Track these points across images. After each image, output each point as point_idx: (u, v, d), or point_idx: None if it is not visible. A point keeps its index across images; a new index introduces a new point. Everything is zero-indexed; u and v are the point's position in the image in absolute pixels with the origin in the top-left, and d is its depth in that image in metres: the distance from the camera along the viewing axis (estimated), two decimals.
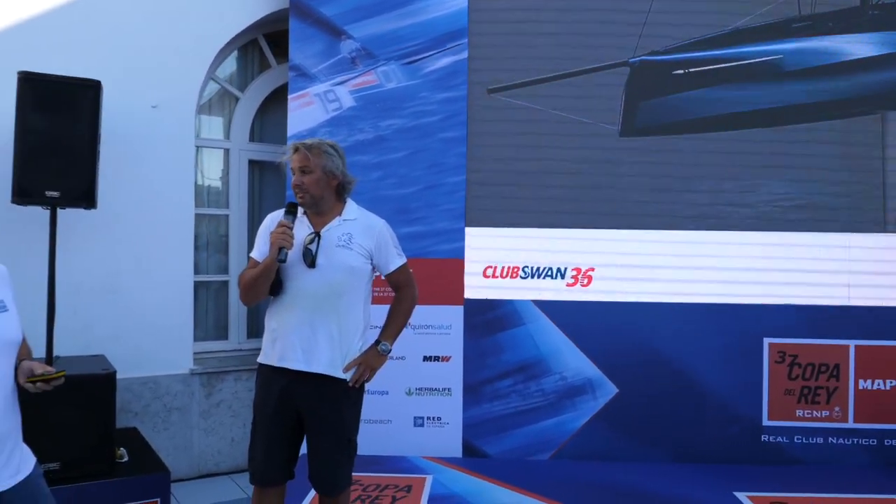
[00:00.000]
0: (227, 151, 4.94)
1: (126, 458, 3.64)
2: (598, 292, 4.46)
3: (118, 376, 3.74)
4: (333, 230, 2.74)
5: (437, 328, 4.47)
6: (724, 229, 4.45)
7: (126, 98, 4.12)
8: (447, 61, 4.52)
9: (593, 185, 4.50)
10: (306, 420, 2.73)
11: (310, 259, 2.67)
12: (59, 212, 3.70)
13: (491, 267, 4.51)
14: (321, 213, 2.77)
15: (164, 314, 4.37)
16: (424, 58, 4.53)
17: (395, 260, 2.85)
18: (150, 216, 4.30)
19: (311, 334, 2.67)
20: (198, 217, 4.73)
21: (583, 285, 4.47)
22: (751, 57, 4.46)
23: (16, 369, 1.99)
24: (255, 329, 4.95)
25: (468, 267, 4.50)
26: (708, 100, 4.47)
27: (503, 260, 4.51)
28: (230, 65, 4.98)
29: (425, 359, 4.47)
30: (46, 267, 3.63)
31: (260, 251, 2.77)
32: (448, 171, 4.52)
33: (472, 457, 4.39)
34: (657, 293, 4.42)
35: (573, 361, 4.43)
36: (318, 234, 2.71)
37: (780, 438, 4.37)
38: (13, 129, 3.50)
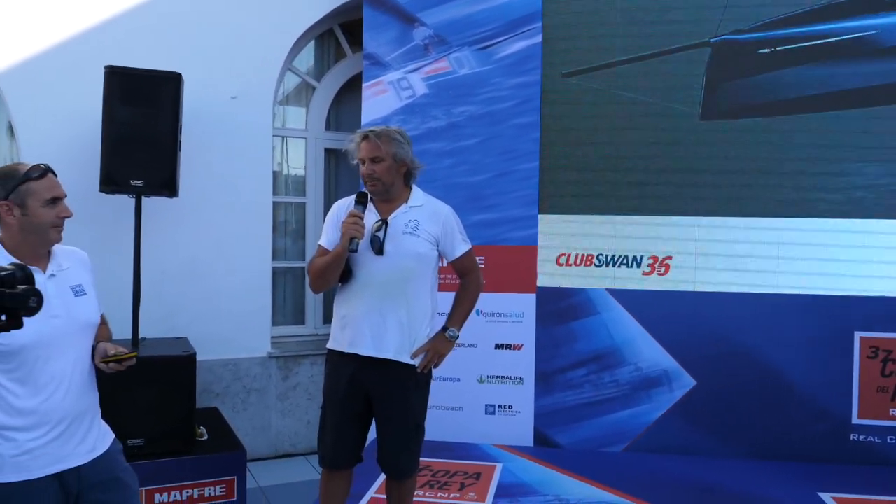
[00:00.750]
0: (305, 140, 5.04)
1: (206, 437, 3.78)
2: (675, 281, 4.31)
3: (200, 358, 3.88)
4: (400, 217, 2.74)
5: (509, 316, 4.44)
6: (811, 216, 4.21)
7: (206, 89, 4.26)
8: (520, 46, 4.45)
9: (672, 170, 4.34)
10: (375, 405, 2.76)
11: (377, 246, 2.69)
12: (144, 200, 3.86)
13: (564, 255, 4.44)
14: (389, 199, 2.77)
15: (243, 299, 4.50)
16: (497, 43, 4.47)
17: (461, 246, 2.85)
18: (230, 204, 4.43)
19: (380, 321, 2.69)
20: (278, 205, 4.86)
21: (660, 274, 4.34)
22: (843, 33, 4.19)
23: (94, 350, 2.08)
24: (332, 315, 5.03)
25: (541, 254, 4.43)
26: (796, 80, 4.24)
27: (577, 247, 4.42)
28: (307, 55, 5.06)
29: (497, 347, 4.45)
30: (132, 253, 3.80)
31: (328, 239, 2.79)
32: (521, 157, 4.45)
33: (544, 446, 4.35)
34: (739, 283, 4.24)
35: (649, 352, 4.31)
36: (385, 222, 2.71)
37: (870, 438, 4.13)
38: (101, 121, 3.66)
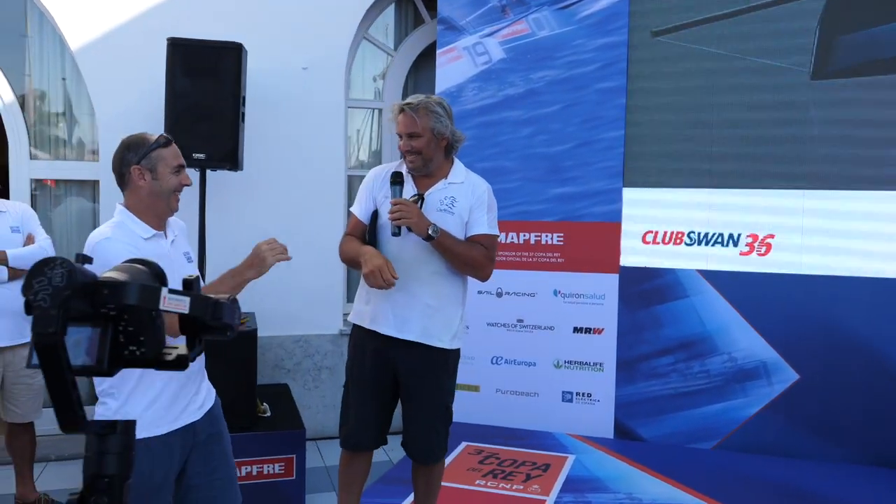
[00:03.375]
0: (379, 111, 4.87)
1: (268, 413, 3.72)
2: (778, 263, 3.85)
3: (271, 334, 3.83)
4: (436, 193, 2.60)
5: (589, 298, 4.13)
6: None
7: (276, 60, 4.16)
8: (605, 3, 4.07)
9: (776, 137, 3.86)
10: (402, 385, 2.65)
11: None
12: (210, 174, 3.82)
13: (651, 232, 4.07)
14: (429, 174, 2.63)
15: (315, 275, 4.41)
16: (580, 1, 4.12)
17: (482, 226, 2.61)
18: (302, 178, 4.34)
19: (405, 300, 2.55)
20: (354, 178, 4.73)
21: (759, 254, 3.89)
22: None
23: None
24: None
25: (625, 231, 4.09)
26: None
27: (666, 224, 4.04)
28: (385, 21, 4.87)
29: (576, 330, 4.15)
30: (197, 227, 3.78)
31: (362, 209, 2.67)
32: (605, 125, 4.11)
33: (624, 439, 4.03)
34: (851, 266, 3.73)
35: (745, 341, 3.89)
36: (421, 196, 2.58)
37: None
38: (164, 94, 3.63)
